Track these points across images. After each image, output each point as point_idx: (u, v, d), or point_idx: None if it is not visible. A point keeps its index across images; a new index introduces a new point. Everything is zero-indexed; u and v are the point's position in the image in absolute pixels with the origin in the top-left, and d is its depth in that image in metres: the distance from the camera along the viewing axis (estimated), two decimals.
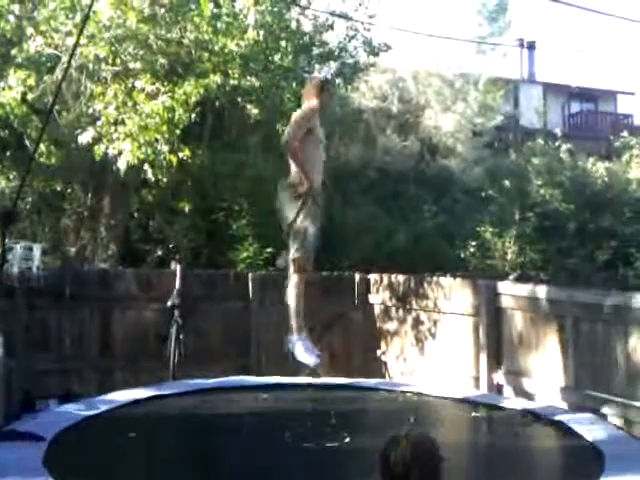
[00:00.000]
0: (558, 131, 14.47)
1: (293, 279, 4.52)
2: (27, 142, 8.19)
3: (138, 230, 9.50)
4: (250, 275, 7.98)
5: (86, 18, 6.74)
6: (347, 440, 4.54)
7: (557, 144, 13.09)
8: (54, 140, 8.30)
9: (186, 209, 9.05)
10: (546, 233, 10.93)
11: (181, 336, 6.72)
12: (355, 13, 11.84)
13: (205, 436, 4.77)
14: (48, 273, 6.84)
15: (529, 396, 6.21)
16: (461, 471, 4.45)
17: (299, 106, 9.20)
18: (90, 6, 6.76)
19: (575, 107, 24.25)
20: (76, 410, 4.97)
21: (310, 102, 4.77)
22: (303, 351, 4.33)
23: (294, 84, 9.23)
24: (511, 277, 8.84)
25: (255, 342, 7.75)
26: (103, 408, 5.07)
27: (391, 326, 8.07)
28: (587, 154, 14.25)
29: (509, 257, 10.48)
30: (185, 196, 9.12)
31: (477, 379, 6.79)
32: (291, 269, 4.50)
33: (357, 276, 8.41)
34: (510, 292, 6.72)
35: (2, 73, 8.16)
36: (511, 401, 5.95)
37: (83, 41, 7.57)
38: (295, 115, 4.85)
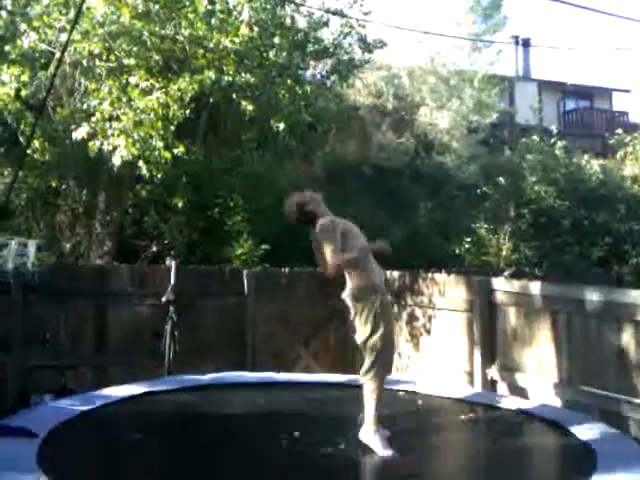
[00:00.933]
0: (554, 128, 14.50)
1: (371, 384, 4.51)
2: (21, 138, 8.18)
3: (133, 226, 9.50)
4: (245, 271, 7.99)
5: (78, 13, 6.73)
6: (341, 440, 4.55)
7: (552, 141, 13.12)
8: (48, 136, 8.29)
9: (180, 205, 9.05)
10: (541, 230, 10.97)
11: (176, 332, 6.73)
12: (350, 10, 11.85)
13: (200, 432, 4.78)
14: (43, 269, 6.84)
15: (523, 391, 6.24)
16: (454, 470, 4.47)
17: (293, 103, 9.28)
18: (82, 1, 6.74)
19: (570, 104, 24.27)
20: (71, 405, 4.97)
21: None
22: (380, 445, 4.36)
23: (289, 81, 9.23)
24: (505, 273, 8.87)
25: (250, 338, 7.77)
26: (98, 403, 5.07)
27: None
28: (582, 151, 14.31)
29: (504, 253, 10.52)
30: (180, 192, 9.12)
31: (471, 374, 6.82)
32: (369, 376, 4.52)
33: None
34: (504, 288, 6.75)
35: None
36: (504, 399, 5.98)
37: (77, 37, 7.57)
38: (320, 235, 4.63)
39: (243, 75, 8.54)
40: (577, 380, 5.86)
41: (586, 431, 4.71)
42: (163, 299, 6.93)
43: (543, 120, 18.75)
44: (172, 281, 7.01)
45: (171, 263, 7.29)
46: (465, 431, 5.42)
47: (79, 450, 4.29)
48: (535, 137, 13.41)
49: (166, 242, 9.04)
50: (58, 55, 7.54)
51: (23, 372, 6.32)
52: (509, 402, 5.74)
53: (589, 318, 5.80)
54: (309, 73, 11.76)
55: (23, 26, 7.94)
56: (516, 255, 10.63)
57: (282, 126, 9.08)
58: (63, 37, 7.66)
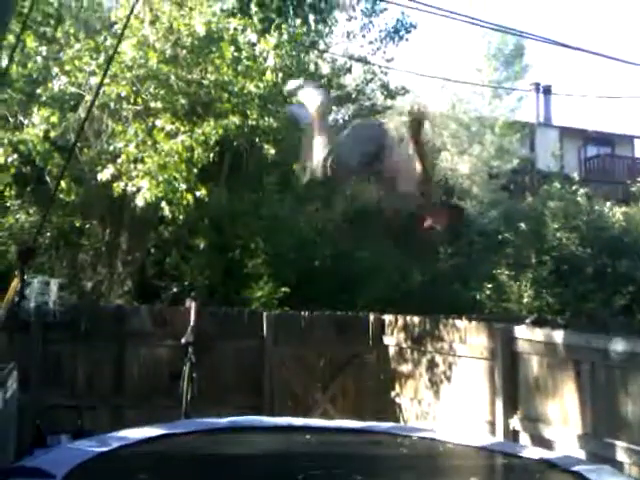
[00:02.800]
0: (575, 175, 14.48)
1: None
2: (47, 178, 8.33)
3: (154, 266, 9.56)
4: (265, 314, 7.97)
5: (110, 59, 6.90)
6: None
7: (574, 188, 13.09)
8: (74, 177, 8.43)
9: (201, 246, 9.10)
10: (563, 277, 10.87)
11: (194, 374, 6.70)
12: (373, 57, 12.06)
13: (216, 475, 4.71)
14: (64, 308, 6.89)
15: (546, 443, 6.10)
16: None
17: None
18: (115, 47, 6.92)
19: (592, 151, 24.26)
20: (88, 447, 4.93)
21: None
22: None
23: None
24: (527, 321, 8.76)
25: (268, 381, 7.71)
26: (115, 446, 5.02)
27: (405, 368, 7.99)
28: (604, 198, 14.23)
29: (525, 300, 10.40)
30: (201, 233, 9.18)
31: (493, 424, 6.69)
32: None
33: (372, 316, 8.37)
34: (526, 336, 6.66)
35: (27, 111, 8.35)
36: (527, 449, 5.84)
37: (106, 80, 7.75)
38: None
39: (266, 119, 8.67)
40: (602, 432, 5.72)
41: None
42: (182, 340, 6.92)
43: (564, 167, 18.74)
44: (192, 322, 7.02)
45: (191, 304, 7.31)
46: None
47: None
48: (556, 184, 13.39)
49: (187, 283, 9.07)
50: (88, 98, 7.71)
51: (41, 412, 6.32)
52: (532, 452, 5.60)
53: (614, 368, 5.69)
54: (331, 118, 11.91)
55: (55, 70, 8.16)
56: (538, 302, 10.51)
57: None
58: (92, 80, 7.85)
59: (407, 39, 12.33)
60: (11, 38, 6.85)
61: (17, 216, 8.70)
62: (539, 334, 6.61)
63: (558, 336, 6.36)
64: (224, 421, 5.94)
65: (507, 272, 10.70)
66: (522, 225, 11.96)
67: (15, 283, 4.27)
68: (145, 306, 8.08)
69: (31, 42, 8.16)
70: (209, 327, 7.39)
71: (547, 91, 24.55)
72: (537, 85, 23.91)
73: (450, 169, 15.58)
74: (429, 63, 22.45)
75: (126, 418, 6.68)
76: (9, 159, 8.01)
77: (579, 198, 12.78)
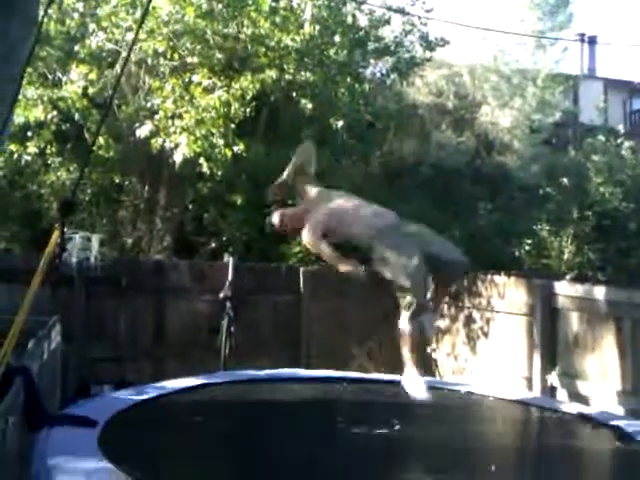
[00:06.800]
0: (620, 128, 14.02)
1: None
2: (87, 135, 8.40)
3: (192, 222, 9.64)
4: (301, 269, 8.01)
5: (145, 14, 6.87)
6: (396, 434, 4.52)
7: (618, 141, 12.70)
8: (113, 133, 8.49)
9: (239, 202, 9.13)
10: (605, 232, 10.62)
11: (232, 328, 6.80)
12: (412, 7, 11.74)
13: (254, 424, 4.81)
14: (105, 263, 7.02)
15: (584, 399, 6.07)
16: (511, 476, 4.39)
17: (352, 101, 9.24)
18: (149, 2, 6.87)
19: (637, 103, 23.47)
20: (128, 396, 5.08)
21: None
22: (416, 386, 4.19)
23: (348, 79, 9.21)
24: (568, 277, 8.62)
25: (305, 335, 7.80)
26: (154, 395, 5.16)
27: (442, 323, 7.99)
28: None
29: (566, 256, 10.20)
30: (239, 189, 9.19)
31: (530, 380, 6.68)
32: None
33: None
34: (566, 292, 6.59)
35: (65, 68, 8.40)
36: (565, 404, 5.82)
37: (142, 36, 7.73)
38: None
39: (303, 73, 8.57)
40: None
41: None
42: (220, 295, 7.01)
43: (608, 120, 18.15)
44: (230, 277, 7.09)
45: (229, 260, 7.37)
46: (523, 435, 5.30)
47: (136, 437, 4.37)
48: (600, 137, 12.99)
49: (224, 239, 9.13)
50: (124, 54, 7.72)
51: (84, 363, 6.50)
52: (569, 407, 5.59)
53: None
54: (369, 71, 11.70)
55: (92, 26, 8.17)
56: (579, 258, 10.30)
57: (341, 124, 9.07)
58: (129, 36, 7.84)
59: None
60: None
61: (58, 173, 8.81)
62: (579, 290, 6.53)
63: (599, 292, 6.28)
64: (262, 373, 6.04)
65: (548, 228, 10.48)
66: (564, 180, 11.67)
67: (55, 236, 4.34)
68: (184, 261, 8.20)
69: None
70: (247, 282, 7.46)
71: (592, 41, 23.73)
72: (582, 35, 23.08)
73: (491, 123, 15.21)
74: (470, 13, 21.78)
75: (166, 370, 6.84)
76: (49, 116, 8.10)
77: (624, 152, 12.38)
